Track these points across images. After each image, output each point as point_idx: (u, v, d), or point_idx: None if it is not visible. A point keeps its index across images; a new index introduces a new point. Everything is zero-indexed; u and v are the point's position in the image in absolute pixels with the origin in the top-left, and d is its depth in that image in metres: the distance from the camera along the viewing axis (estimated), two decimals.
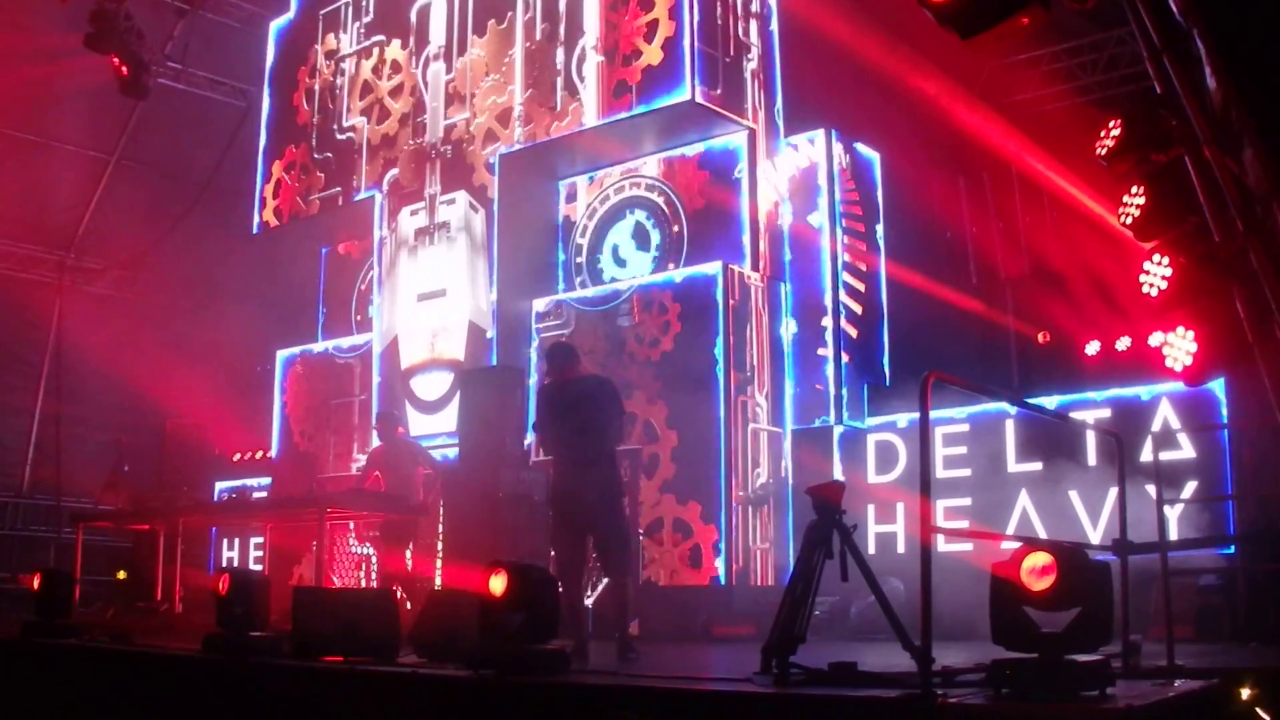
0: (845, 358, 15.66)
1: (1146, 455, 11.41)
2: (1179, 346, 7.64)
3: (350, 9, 20.56)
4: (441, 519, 15.18)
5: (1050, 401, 13.37)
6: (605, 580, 11.66)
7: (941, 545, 12.77)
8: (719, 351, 14.94)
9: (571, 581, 10.56)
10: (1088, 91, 17.50)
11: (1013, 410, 13.68)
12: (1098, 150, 7.92)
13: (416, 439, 16.89)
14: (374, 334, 18.96)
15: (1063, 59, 17.84)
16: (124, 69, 19.06)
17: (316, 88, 20.84)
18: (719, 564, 14.53)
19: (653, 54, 16.04)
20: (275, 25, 21.71)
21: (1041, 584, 5.50)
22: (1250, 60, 6.57)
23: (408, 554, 15.01)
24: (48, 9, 18.74)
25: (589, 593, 13.59)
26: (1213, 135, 6.89)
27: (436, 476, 15.33)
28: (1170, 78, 7.13)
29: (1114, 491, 11.87)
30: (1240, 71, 6.56)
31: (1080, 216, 15.82)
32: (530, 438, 15.73)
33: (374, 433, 16.87)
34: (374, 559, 16.09)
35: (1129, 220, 7.77)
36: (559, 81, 17.14)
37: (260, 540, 19.50)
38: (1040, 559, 5.54)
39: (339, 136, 20.26)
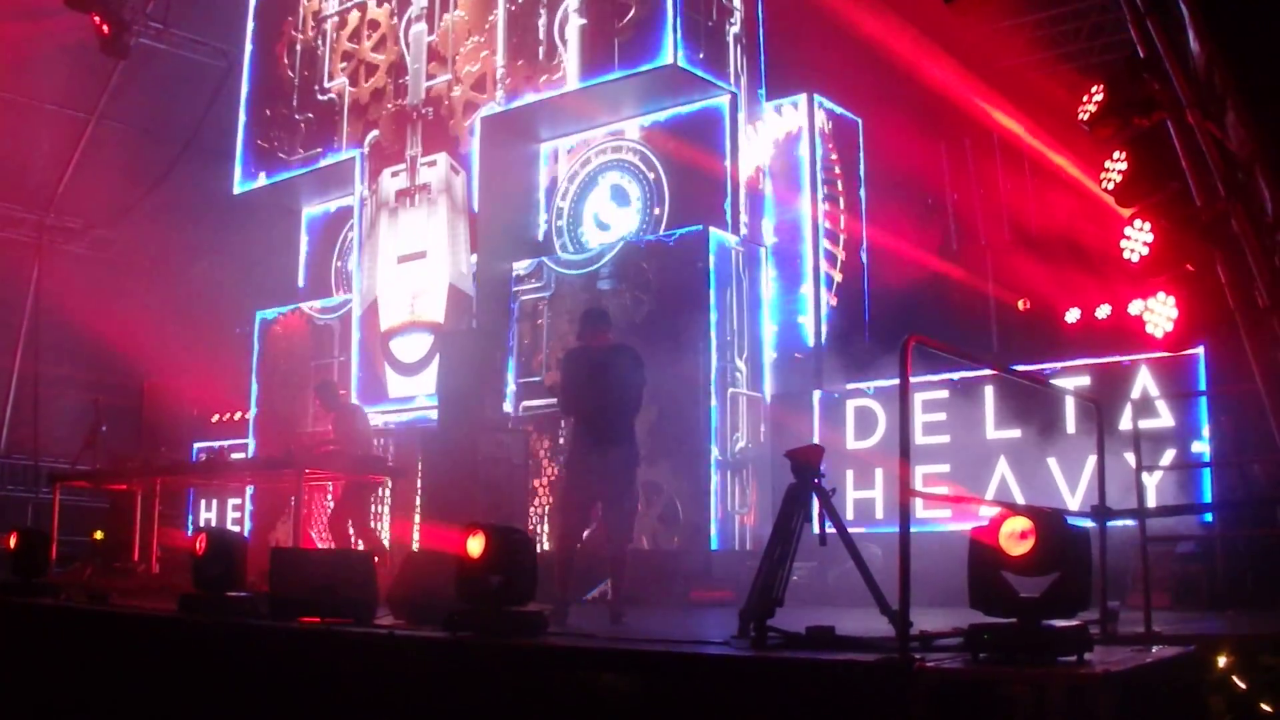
0: (825, 322, 15.67)
1: (1125, 423, 11.43)
2: (1160, 313, 7.63)
3: None
4: (420, 480, 15.17)
5: (1029, 369, 13.35)
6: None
7: (919, 512, 12.78)
8: (699, 315, 14.91)
9: (571, 545, 10.65)
10: (1071, 59, 17.46)
11: (992, 376, 13.68)
12: (1080, 115, 7.90)
13: (374, 404, 17.07)
14: (354, 295, 18.90)
15: (1045, 26, 17.79)
16: (105, 28, 18.96)
17: (298, 48, 20.71)
18: (696, 528, 14.54)
19: (635, 17, 15.97)
20: None
21: (1020, 549, 5.50)
22: (1234, 24, 6.55)
23: (372, 513, 15.14)
24: None
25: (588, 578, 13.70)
26: (1196, 99, 6.87)
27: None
28: (1153, 41, 7.11)
29: (1092, 459, 11.87)
30: (1224, 35, 6.54)
31: (1062, 182, 15.80)
32: (509, 399, 15.80)
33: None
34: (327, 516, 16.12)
35: (1111, 185, 7.76)
36: (541, 44, 17.06)
37: (238, 501, 19.49)
38: (1019, 524, 5.53)
39: (320, 97, 20.15)
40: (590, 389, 10.68)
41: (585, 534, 11.34)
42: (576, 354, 11.21)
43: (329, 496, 16.52)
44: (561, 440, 15.31)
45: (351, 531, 14.92)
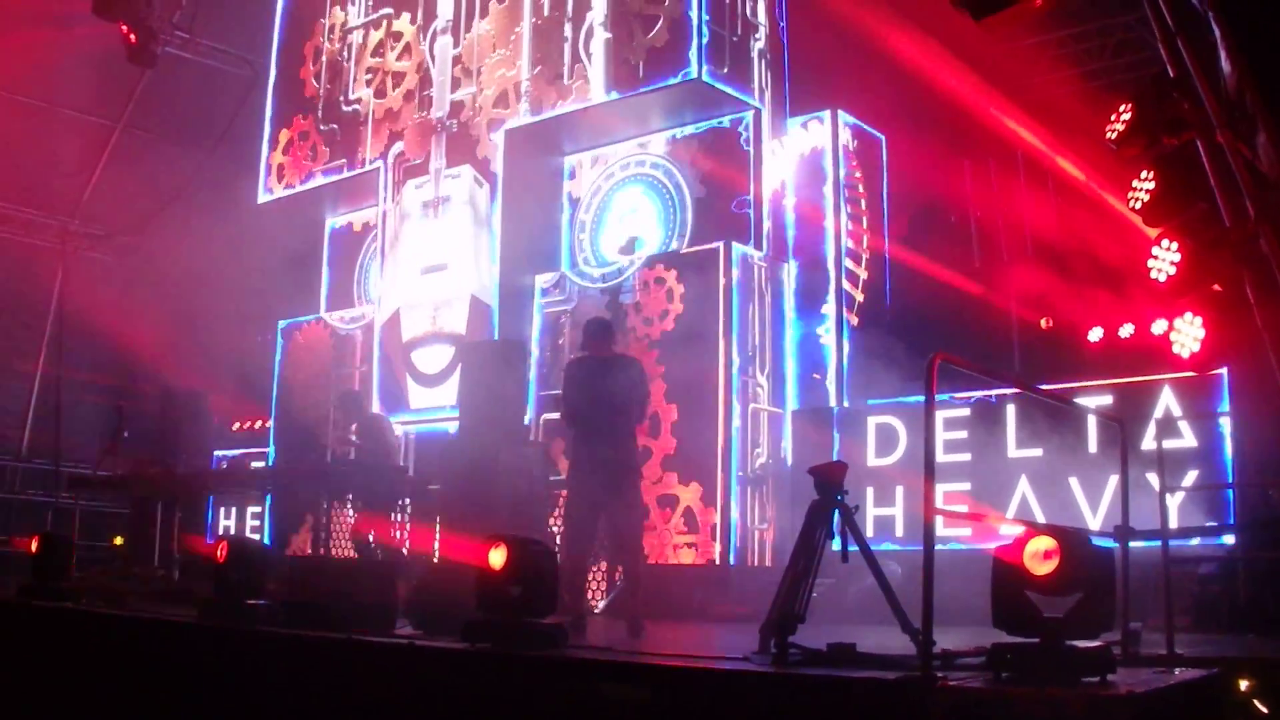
0: (847, 338, 15.65)
1: (1148, 443, 11.39)
2: (1186, 333, 7.62)
3: None
4: (441, 491, 15.17)
5: (1052, 387, 13.30)
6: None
7: (939, 530, 12.72)
8: (720, 331, 14.90)
9: (578, 556, 10.63)
10: (1096, 76, 17.42)
11: (1014, 394, 13.64)
12: (1107, 134, 7.89)
13: (395, 414, 17.10)
14: (376, 306, 18.94)
15: (1070, 44, 17.77)
16: (132, 36, 19.05)
17: (323, 59, 20.79)
18: (716, 543, 14.52)
19: (660, 32, 16.00)
20: None
21: (1045, 568, 5.47)
22: (1266, 43, 6.53)
23: (394, 522, 15.15)
24: None
25: (608, 592, 13.68)
26: (1226, 119, 6.85)
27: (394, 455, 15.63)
28: (1183, 60, 7.09)
29: (1114, 479, 11.86)
30: (1256, 55, 6.52)
31: (1086, 200, 15.77)
32: (530, 412, 15.78)
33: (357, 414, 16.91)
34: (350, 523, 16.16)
35: (1138, 205, 7.75)
36: (566, 58, 17.09)
37: (258, 509, 19.52)
38: (1044, 543, 5.51)
39: (345, 108, 20.21)
40: (591, 399, 10.69)
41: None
42: (578, 364, 11.26)
43: (348, 506, 16.54)
44: None
45: (371, 541, 14.94)
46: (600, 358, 10.95)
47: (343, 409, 16.67)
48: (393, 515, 15.23)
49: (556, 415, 15.62)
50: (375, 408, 17.81)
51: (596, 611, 13.73)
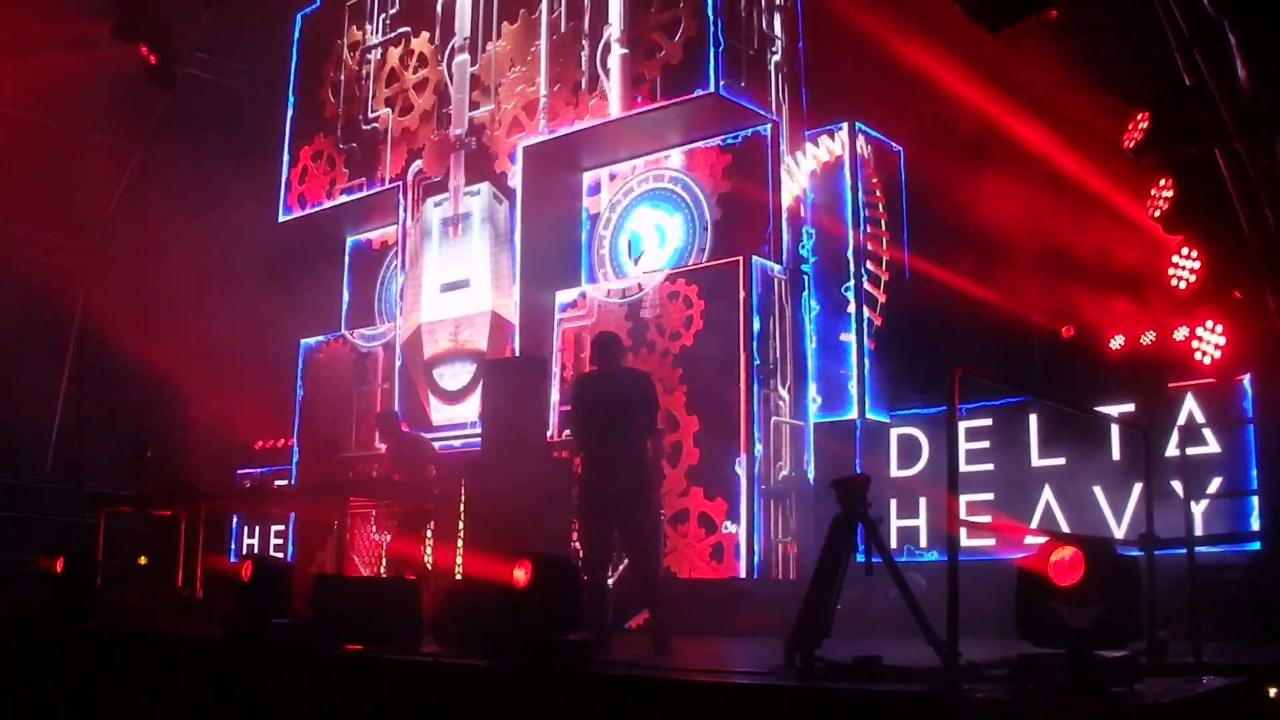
0: (868, 351, 15.62)
1: (1171, 450, 11.35)
2: (1208, 340, 7.62)
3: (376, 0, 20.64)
4: (463, 508, 15.18)
5: (1073, 396, 13.27)
6: (624, 566, 11.67)
7: (963, 541, 12.68)
8: (741, 344, 14.89)
9: (597, 573, 10.54)
10: (1111, 85, 17.37)
11: (1036, 403, 13.62)
12: (1125, 143, 7.87)
13: (421, 432, 17.04)
14: (397, 323, 18.99)
15: (1085, 53, 17.70)
16: (152, 58, 19.12)
17: (342, 78, 20.88)
18: (740, 557, 14.50)
19: (677, 47, 16.03)
20: (301, 15, 21.75)
21: (1069, 578, 5.46)
22: None
23: (426, 542, 15.14)
24: None
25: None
26: (1243, 126, 6.84)
27: (441, 472, 15.53)
28: (1200, 69, 7.09)
29: (1138, 487, 11.82)
30: (1272, 62, 6.52)
31: (1105, 209, 15.73)
32: (552, 428, 15.79)
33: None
34: (385, 545, 16.20)
35: (1158, 213, 7.74)
36: (583, 74, 17.12)
37: (280, 527, 19.56)
38: (1068, 553, 5.50)
39: (364, 127, 20.28)
40: (601, 414, 10.60)
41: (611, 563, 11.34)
42: (587, 379, 11.22)
43: (372, 524, 16.58)
44: None
45: (410, 574, 14.94)
46: (609, 372, 10.88)
47: (380, 427, 16.70)
48: (424, 534, 15.24)
49: None
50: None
51: (626, 626, 13.71)
